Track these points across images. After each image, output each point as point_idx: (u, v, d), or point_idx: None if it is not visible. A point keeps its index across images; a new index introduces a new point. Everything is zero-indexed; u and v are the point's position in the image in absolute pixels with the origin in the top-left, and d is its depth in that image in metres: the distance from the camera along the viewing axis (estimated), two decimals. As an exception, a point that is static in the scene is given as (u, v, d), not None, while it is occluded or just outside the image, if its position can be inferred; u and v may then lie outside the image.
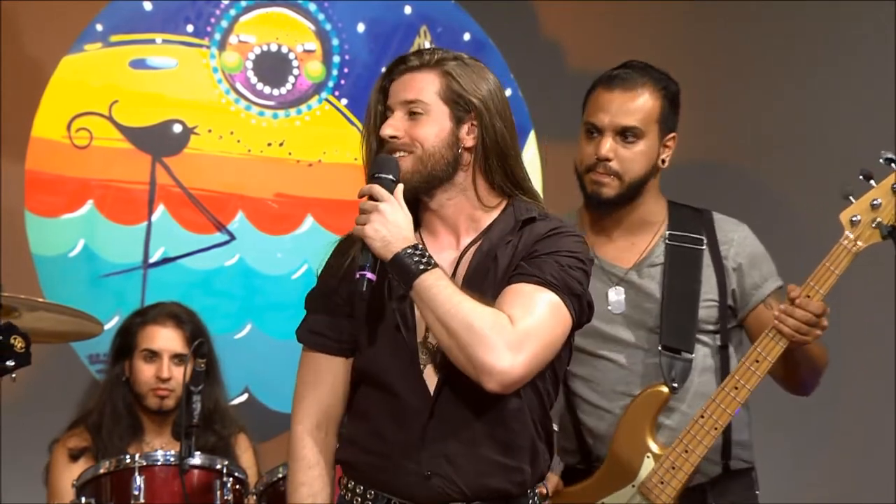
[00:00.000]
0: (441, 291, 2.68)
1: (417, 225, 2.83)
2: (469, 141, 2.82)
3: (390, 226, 2.71)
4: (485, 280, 2.79)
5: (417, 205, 2.84)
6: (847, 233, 3.33)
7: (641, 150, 3.46)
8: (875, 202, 3.31)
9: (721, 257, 3.50)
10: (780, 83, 5.55)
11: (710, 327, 3.50)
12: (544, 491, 2.91)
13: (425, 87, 2.82)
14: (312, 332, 2.91)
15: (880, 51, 5.45)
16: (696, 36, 5.61)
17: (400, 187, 2.77)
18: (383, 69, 2.91)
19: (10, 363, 3.32)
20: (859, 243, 3.33)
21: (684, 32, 5.60)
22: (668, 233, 3.52)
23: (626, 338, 3.49)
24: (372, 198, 2.75)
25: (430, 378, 2.79)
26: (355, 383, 2.88)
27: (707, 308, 3.49)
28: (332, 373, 2.89)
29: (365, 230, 2.72)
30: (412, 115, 2.81)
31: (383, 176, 2.77)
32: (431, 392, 2.78)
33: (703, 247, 3.51)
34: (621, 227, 3.53)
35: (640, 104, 3.47)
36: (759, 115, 5.57)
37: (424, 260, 2.70)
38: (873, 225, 3.32)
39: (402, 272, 2.71)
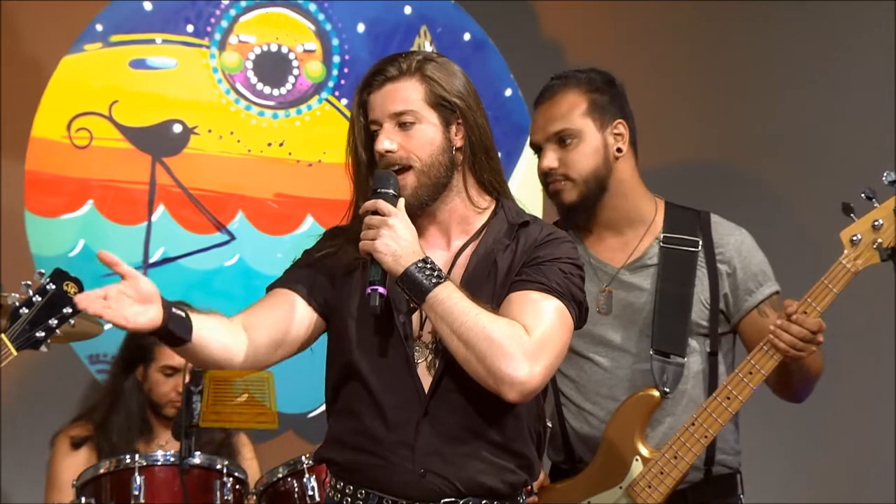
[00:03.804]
0: (456, 304, 2.68)
1: None
2: (459, 141, 2.83)
3: (400, 241, 2.71)
4: (484, 284, 2.79)
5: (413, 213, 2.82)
6: (846, 252, 3.29)
7: (583, 148, 3.45)
8: (876, 223, 3.26)
9: (715, 260, 3.47)
10: (780, 83, 5.55)
11: (701, 331, 3.48)
12: (529, 487, 2.91)
13: (410, 95, 2.80)
14: (284, 279, 2.89)
15: (880, 51, 5.45)
16: (696, 36, 5.61)
17: (402, 202, 2.77)
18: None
19: (68, 310, 3.33)
20: (858, 263, 3.30)
21: (684, 32, 5.60)
22: (662, 235, 3.50)
23: (613, 339, 3.47)
24: (377, 213, 2.74)
25: (424, 375, 2.78)
26: (341, 380, 2.85)
27: (699, 310, 3.48)
28: (289, 305, 2.83)
29: (375, 245, 2.71)
30: (403, 125, 2.80)
31: (385, 191, 2.76)
32: (426, 389, 2.78)
33: (698, 249, 3.49)
34: (607, 227, 3.50)
35: (563, 107, 3.46)
36: (759, 115, 5.57)
37: (436, 273, 2.70)
38: (874, 246, 3.27)
39: (413, 287, 2.70)
